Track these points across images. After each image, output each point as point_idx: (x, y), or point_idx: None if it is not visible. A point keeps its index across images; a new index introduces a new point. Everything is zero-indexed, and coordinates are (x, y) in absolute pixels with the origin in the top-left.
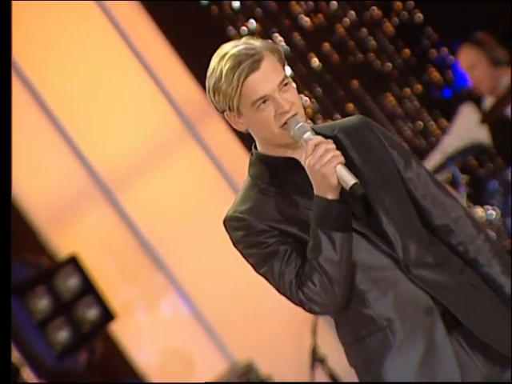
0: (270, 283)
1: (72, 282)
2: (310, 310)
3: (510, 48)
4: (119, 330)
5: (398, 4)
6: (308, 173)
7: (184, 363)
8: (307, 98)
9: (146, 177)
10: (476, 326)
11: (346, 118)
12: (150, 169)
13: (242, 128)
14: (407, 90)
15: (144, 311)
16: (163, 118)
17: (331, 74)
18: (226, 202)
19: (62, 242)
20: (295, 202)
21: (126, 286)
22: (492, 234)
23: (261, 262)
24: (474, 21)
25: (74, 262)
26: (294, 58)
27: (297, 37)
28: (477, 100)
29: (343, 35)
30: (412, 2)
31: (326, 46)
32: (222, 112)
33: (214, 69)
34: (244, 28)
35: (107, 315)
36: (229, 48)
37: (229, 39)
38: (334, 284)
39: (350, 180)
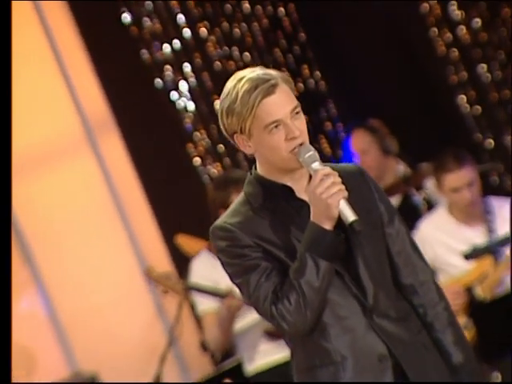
0: (242, 294)
1: None
2: (277, 326)
3: (399, 139)
4: None
5: (306, 71)
6: (311, 200)
7: (27, 361)
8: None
9: (35, 174)
10: None
11: (344, 164)
12: (42, 167)
13: (249, 151)
14: None
15: None
16: (67, 123)
17: None
18: (107, 216)
19: None
20: (284, 228)
21: None
22: None
23: (239, 273)
24: (374, 107)
25: None
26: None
27: (206, 76)
28: None
29: None
30: (319, 73)
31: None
32: (232, 135)
33: (229, 91)
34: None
35: None
36: (246, 72)
37: (142, 62)
38: (308, 308)
39: (350, 216)
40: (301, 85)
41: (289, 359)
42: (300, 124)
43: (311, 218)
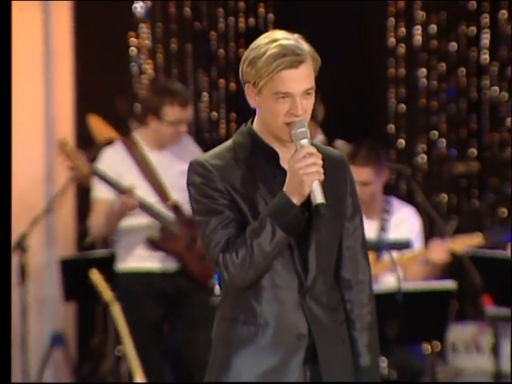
0: (199, 232)
1: None
2: (219, 273)
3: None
4: None
5: None
6: (288, 171)
7: None
8: None
9: None
10: (327, 372)
11: (331, 149)
12: None
13: (253, 104)
14: None
15: None
16: None
17: None
18: (32, 75)
19: None
20: (257, 187)
21: None
22: None
23: (203, 212)
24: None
25: None
26: None
27: None
28: None
29: None
30: None
31: None
32: (245, 83)
33: (259, 45)
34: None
35: None
36: (281, 36)
37: None
38: (252, 267)
39: (319, 198)
40: None
41: (159, 271)
42: (307, 104)
43: (284, 188)
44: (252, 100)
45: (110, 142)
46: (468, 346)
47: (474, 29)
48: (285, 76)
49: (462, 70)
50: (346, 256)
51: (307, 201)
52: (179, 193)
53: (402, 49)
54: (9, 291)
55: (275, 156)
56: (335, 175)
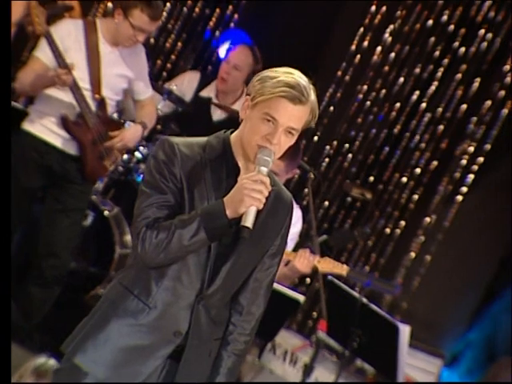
0: (138, 198)
1: None
2: (134, 242)
3: None
4: None
5: None
6: (236, 186)
7: None
8: None
9: None
10: (182, 375)
11: (285, 189)
12: None
13: (242, 116)
14: None
15: None
16: None
17: None
18: None
19: None
20: (207, 190)
21: None
22: None
23: (150, 185)
24: None
25: None
26: None
27: None
28: None
29: None
30: None
31: None
32: (247, 95)
33: (276, 71)
34: None
35: None
36: (298, 74)
37: None
38: (164, 253)
39: (248, 222)
40: None
41: (57, 149)
42: (285, 140)
43: (224, 199)
44: (243, 111)
45: (69, 9)
46: (285, 353)
47: None
48: (281, 104)
49: None
50: (250, 285)
51: (240, 220)
52: (110, 92)
53: None
54: (9, 289)
55: (236, 170)
56: (276, 213)
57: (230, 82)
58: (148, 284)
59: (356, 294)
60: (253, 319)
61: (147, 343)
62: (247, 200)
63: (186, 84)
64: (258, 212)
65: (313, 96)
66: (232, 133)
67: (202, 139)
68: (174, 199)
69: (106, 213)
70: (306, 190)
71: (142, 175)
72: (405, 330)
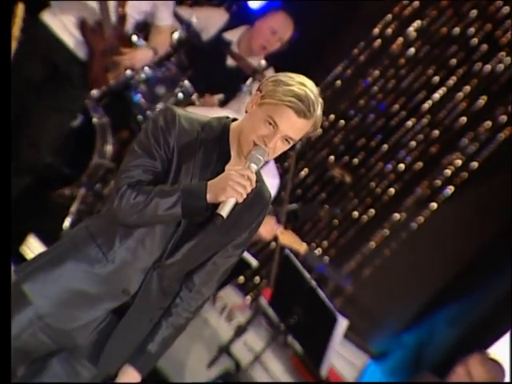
0: (126, 156)
1: None
2: (111, 195)
3: None
4: None
5: None
6: (223, 175)
7: None
8: None
9: None
10: (118, 333)
11: (267, 188)
12: None
13: (248, 108)
14: None
15: None
16: None
17: None
18: None
19: None
20: (194, 168)
21: None
22: None
23: (142, 146)
24: None
25: None
26: None
27: None
28: None
29: None
30: None
31: None
32: (259, 89)
33: (291, 78)
34: None
35: None
36: (310, 86)
37: None
38: (138, 215)
39: (224, 211)
40: None
41: (67, 49)
42: (280, 145)
43: (208, 182)
44: (249, 105)
45: None
46: (223, 308)
47: None
48: (286, 112)
49: None
50: (207, 267)
51: (216, 207)
52: (133, 9)
53: None
54: (9, 286)
55: (227, 158)
56: (252, 208)
57: (269, 50)
58: (113, 238)
59: (307, 276)
60: (201, 299)
61: (95, 292)
62: (229, 191)
63: (212, 20)
64: (236, 203)
65: (319, 111)
66: (234, 120)
67: (204, 118)
68: (161, 167)
69: (94, 120)
70: (291, 152)
71: (138, 95)
72: (342, 324)
